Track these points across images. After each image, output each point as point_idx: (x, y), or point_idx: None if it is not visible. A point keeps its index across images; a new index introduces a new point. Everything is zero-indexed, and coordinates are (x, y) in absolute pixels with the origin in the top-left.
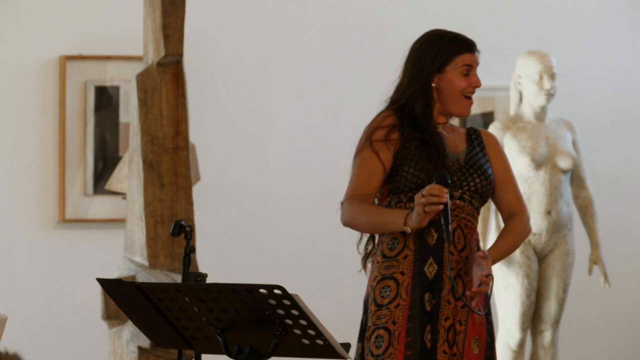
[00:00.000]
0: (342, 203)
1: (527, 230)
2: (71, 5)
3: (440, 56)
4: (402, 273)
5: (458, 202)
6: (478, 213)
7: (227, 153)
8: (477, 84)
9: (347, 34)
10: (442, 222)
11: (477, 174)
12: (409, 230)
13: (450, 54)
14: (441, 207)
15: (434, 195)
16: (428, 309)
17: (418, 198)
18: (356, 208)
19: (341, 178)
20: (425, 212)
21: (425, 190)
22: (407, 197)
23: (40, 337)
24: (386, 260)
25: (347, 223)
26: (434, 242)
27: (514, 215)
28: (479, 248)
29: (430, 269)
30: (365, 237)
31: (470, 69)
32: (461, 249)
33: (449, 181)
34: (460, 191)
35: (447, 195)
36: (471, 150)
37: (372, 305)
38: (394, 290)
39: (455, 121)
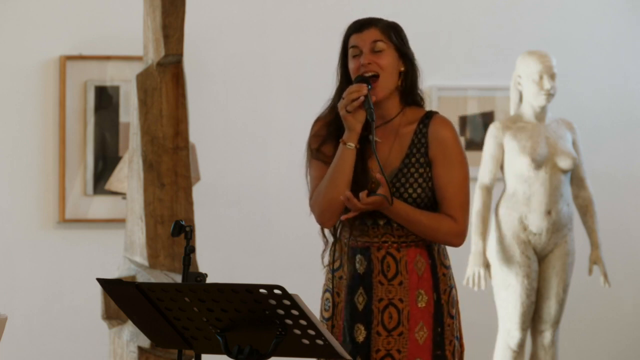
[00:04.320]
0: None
1: (449, 236)
2: (71, 5)
3: (342, 49)
4: (338, 294)
5: (385, 228)
6: None
7: (227, 153)
8: (364, 63)
9: None
10: (365, 108)
11: (408, 193)
12: (351, 145)
13: (344, 43)
14: (362, 99)
15: (352, 92)
16: (360, 340)
17: (339, 104)
18: (316, 193)
19: None
20: (348, 111)
21: (344, 94)
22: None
23: (40, 337)
24: (329, 272)
25: (320, 211)
26: (363, 270)
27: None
28: (438, 266)
29: (360, 299)
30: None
31: (359, 49)
32: (392, 277)
33: (368, 80)
34: (385, 218)
35: (367, 88)
36: (408, 161)
37: (320, 314)
38: (331, 309)
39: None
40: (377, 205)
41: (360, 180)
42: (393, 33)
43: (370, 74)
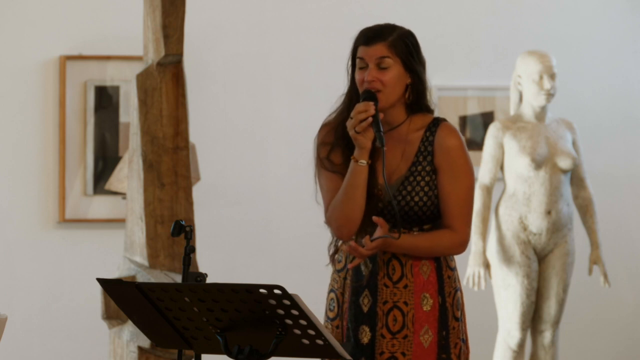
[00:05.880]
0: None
1: (452, 248)
2: (71, 5)
3: (350, 58)
4: (343, 295)
5: (392, 235)
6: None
7: (227, 153)
8: (368, 79)
9: (347, 34)
10: (375, 130)
11: (414, 201)
12: (363, 162)
13: (353, 52)
14: (370, 119)
15: (360, 112)
16: (365, 341)
17: (347, 124)
18: (331, 207)
19: None
20: (357, 132)
21: (352, 113)
22: None
23: (40, 337)
24: (334, 272)
25: (337, 226)
26: (368, 272)
27: (449, 228)
28: (444, 268)
29: (365, 301)
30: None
31: (365, 62)
32: (397, 280)
33: (375, 96)
34: (391, 222)
35: (374, 107)
36: (415, 169)
37: (325, 314)
38: (336, 309)
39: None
40: (380, 247)
41: (368, 184)
42: (401, 46)
43: (373, 90)
